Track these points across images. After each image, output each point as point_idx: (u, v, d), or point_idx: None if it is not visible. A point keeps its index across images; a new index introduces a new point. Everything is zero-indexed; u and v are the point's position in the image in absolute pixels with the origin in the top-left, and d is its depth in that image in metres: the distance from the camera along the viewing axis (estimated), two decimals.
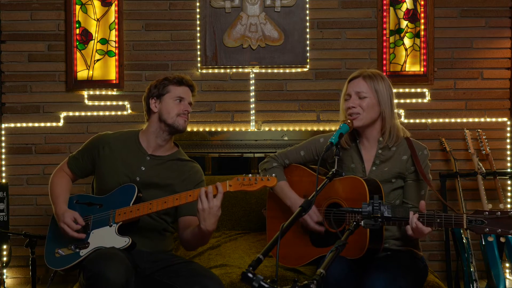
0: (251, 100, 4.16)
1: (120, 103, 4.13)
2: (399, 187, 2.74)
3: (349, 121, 2.65)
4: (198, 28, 4.13)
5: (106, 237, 2.64)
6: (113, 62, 4.12)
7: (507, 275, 4.02)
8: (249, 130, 4.15)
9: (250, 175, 2.52)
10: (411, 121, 4.17)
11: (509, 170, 4.16)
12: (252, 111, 4.16)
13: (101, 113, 4.14)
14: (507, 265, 4.03)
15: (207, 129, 4.15)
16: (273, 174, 2.54)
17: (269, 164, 2.94)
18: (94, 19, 4.11)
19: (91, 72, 4.12)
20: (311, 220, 2.73)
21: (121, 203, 2.69)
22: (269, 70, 4.16)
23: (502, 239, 3.59)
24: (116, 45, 4.10)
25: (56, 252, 2.72)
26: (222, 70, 4.14)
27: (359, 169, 2.76)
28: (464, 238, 3.77)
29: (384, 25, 4.13)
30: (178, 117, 2.83)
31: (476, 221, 2.24)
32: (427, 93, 4.17)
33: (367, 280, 2.49)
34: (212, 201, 2.51)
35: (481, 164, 3.98)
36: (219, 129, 4.15)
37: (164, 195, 2.70)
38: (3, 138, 4.11)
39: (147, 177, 2.79)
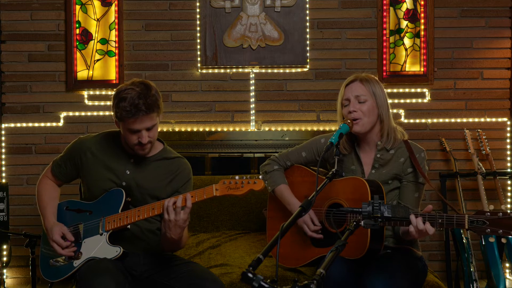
0: (251, 100, 4.16)
1: None
2: (395, 188, 2.74)
3: (348, 121, 2.64)
4: (198, 28, 4.13)
5: (98, 247, 2.62)
6: (113, 62, 4.12)
7: (507, 275, 4.02)
8: (249, 130, 4.15)
9: (237, 177, 2.46)
10: (411, 121, 4.17)
11: (509, 170, 4.16)
12: (252, 111, 4.16)
13: (101, 113, 4.14)
14: (507, 265, 4.03)
15: (207, 129, 4.15)
16: (261, 178, 2.50)
17: (270, 166, 2.94)
18: (94, 19, 4.11)
19: (91, 72, 4.12)
20: (307, 229, 2.74)
21: (110, 210, 2.64)
22: (269, 70, 4.16)
23: (503, 240, 3.61)
24: (116, 45, 4.10)
25: (50, 263, 2.71)
26: (222, 70, 4.15)
27: (358, 171, 2.76)
28: (464, 238, 3.77)
29: (384, 25, 4.13)
30: (135, 147, 2.62)
31: (478, 221, 2.24)
32: (427, 93, 4.17)
33: (366, 279, 2.49)
34: (178, 215, 2.46)
35: (481, 164, 3.99)
36: (219, 129, 4.15)
37: (151, 199, 2.68)
38: (3, 138, 4.11)
39: (133, 181, 2.70)
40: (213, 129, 4.15)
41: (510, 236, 2.20)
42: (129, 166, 2.73)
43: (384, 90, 2.74)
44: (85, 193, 2.80)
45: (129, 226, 2.64)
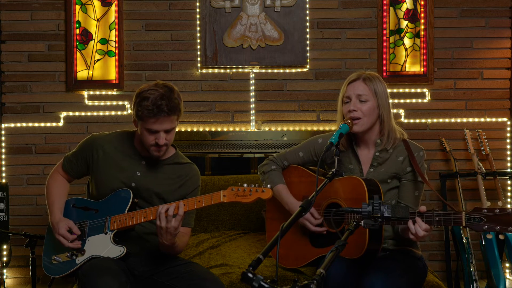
0: (251, 100, 4.16)
1: (120, 103, 4.13)
2: (394, 187, 2.74)
3: (348, 121, 2.64)
4: (198, 28, 4.13)
5: (102, 245, 2.63)
6: (113, 62, 4.12)
7: (507, 275, 4.02)
8: (249, 130, 4.15)
9: (245, 185, 2.47)
10: (411, 121, 4.17)
11: (509, 170, 4.16)
12: (252, 111, 4.16)
13: (101, 113, 4.14)
14: (507, 265, 4.03)
15: (207, 129, 4.15)
16: (268, 185, 2.50)
17: (267, 167, 2.94)
18: (94, 19, 4.11)
19: (91, 72, 4.12)
20: (310, 225, 2.74)
21: (117, 209, 2.65)
22: (269, 70, 4.16)
23: (501, 237, 3.62)
24: (116, 45, 4.11)
25: (53, 259, 2.71)
26: (222, 70, 4.15)
27: (356, 170, 2.75)
28: (464, 238, 3.77)
29: (384, 25, 4.13)
30: (151, 147, 2.63)
31: (475, 218, 2.24)
32: (427, 93, 4.17)
33: (366, 280, 2.49)
34: (170, 222, 2.47)
35: (481, 164, 3.98)
36: (219, 129, 4.15)
37: (159, 202, 2.68)
38: (3, 138, 4.11)
39: (143, 183, 2.71)
40: (213, 129, 4.15)
41: (507, 233, 2.21)
42: (140, 168, 2.73)
43: (387, 88, 2.73)
44: (93, 191, 2.81)
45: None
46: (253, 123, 4.17)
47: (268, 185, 2.47)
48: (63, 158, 2.88)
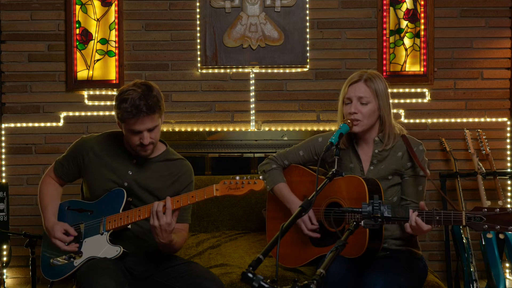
0: (251, 100, 4.16)
1: None
2: (396, 183, 2.73)
3: (349, 121, 2.64)
4: (198, 28, 4.13)
5: (98, 246, 2.62)
6: (113, 62, 4.12)
7: (507, 275, 4.02)
8: (249, 130, 4.15)
9: (237, 177, 2.46)
10: (411, 121, 4.17)
11: (509, 170, 4.16)
12: (252, 111, 4.16)
13: (101, 113, 4.14)
14: (507, 265, 4.03)
15: (207, 129, 4.15)
16: (260, 177, 2.49)
17: (268, 166, 2.94)
18: (94, 19, 4.11)
19: (91, 72, 4.12)
20: (305, 227, 2.74)
21: (111, 209, 2.65)
22: (269, 70, 4.16)
23: (501, 236, 3.62)
24: (116, 45, 4.11)
25: (51, 262, 2.71)
26: (222, 70, 4.15)
27: (357, 168, 2.76)
28: (464, 238, 3.77)
29: (384, 25, 4.13)
30: (137, 148, 2.63)
31: (475, 218, 2.25)
32: (427, 93, 4.17)
33: (366, 279, 2.49)
34: (162, 219, 2.46)
35: (481, 164, 3.99)
36: (219, 129, 4.15)
37: (153, 200, 2.68)
38: (3, 138, 4.11)
39: (135, 182, 2.71)
40: (213, 129, 4.15)
41: (507, 232, 2.21)
42: (132, 167, 2.73)
43: (387, 87, 2.73)
44: (86, 193, 2.81)
45: (129, 226, 2.65)
46: (253, 123, 4.17)
47: (261, 177, 2.46)
48: (54, 162, 2.87)
